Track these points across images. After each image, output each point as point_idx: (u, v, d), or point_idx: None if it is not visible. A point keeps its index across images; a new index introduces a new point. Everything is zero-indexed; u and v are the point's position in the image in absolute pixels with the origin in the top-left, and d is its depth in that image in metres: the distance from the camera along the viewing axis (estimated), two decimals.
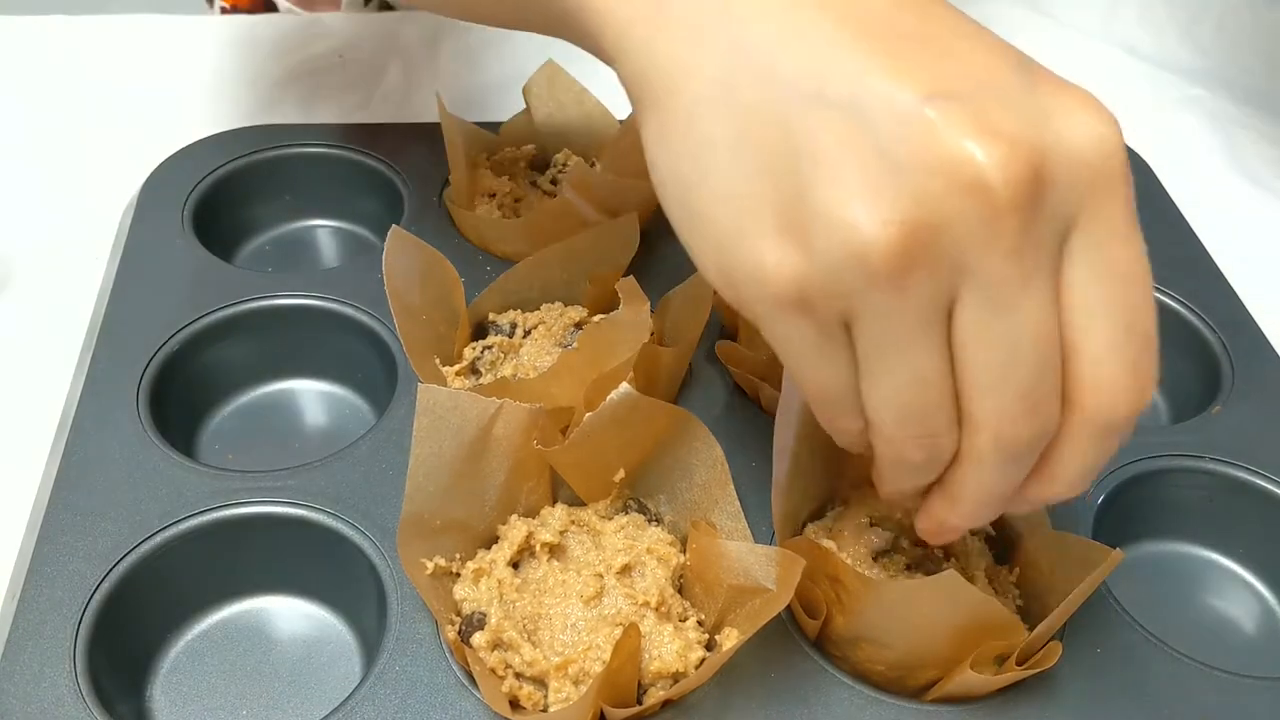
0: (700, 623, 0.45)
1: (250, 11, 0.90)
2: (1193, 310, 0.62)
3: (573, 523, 0.47)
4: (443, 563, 0.45)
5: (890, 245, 0.31)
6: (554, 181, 0.66)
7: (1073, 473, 0.36)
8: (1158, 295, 0.61)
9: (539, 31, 0.45)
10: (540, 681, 0.43)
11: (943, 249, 0.31)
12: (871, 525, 0.47)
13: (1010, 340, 0.32)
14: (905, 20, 0.33)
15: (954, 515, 0.39)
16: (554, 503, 0.49)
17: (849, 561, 0.45)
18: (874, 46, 0.32)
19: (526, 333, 0.56)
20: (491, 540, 0.47)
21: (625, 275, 0.54)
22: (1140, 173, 0.71)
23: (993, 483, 0.36)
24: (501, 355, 0.55)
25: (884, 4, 0.34)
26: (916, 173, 0.31)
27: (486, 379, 0.55)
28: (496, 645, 0.43)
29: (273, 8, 0.90)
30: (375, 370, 0.58)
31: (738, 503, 0.47)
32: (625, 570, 0.45)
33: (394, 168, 0.67)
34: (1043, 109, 0.32)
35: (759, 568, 0.43)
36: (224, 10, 0.93)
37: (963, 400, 0.34)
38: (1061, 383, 0.34)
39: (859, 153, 0.31)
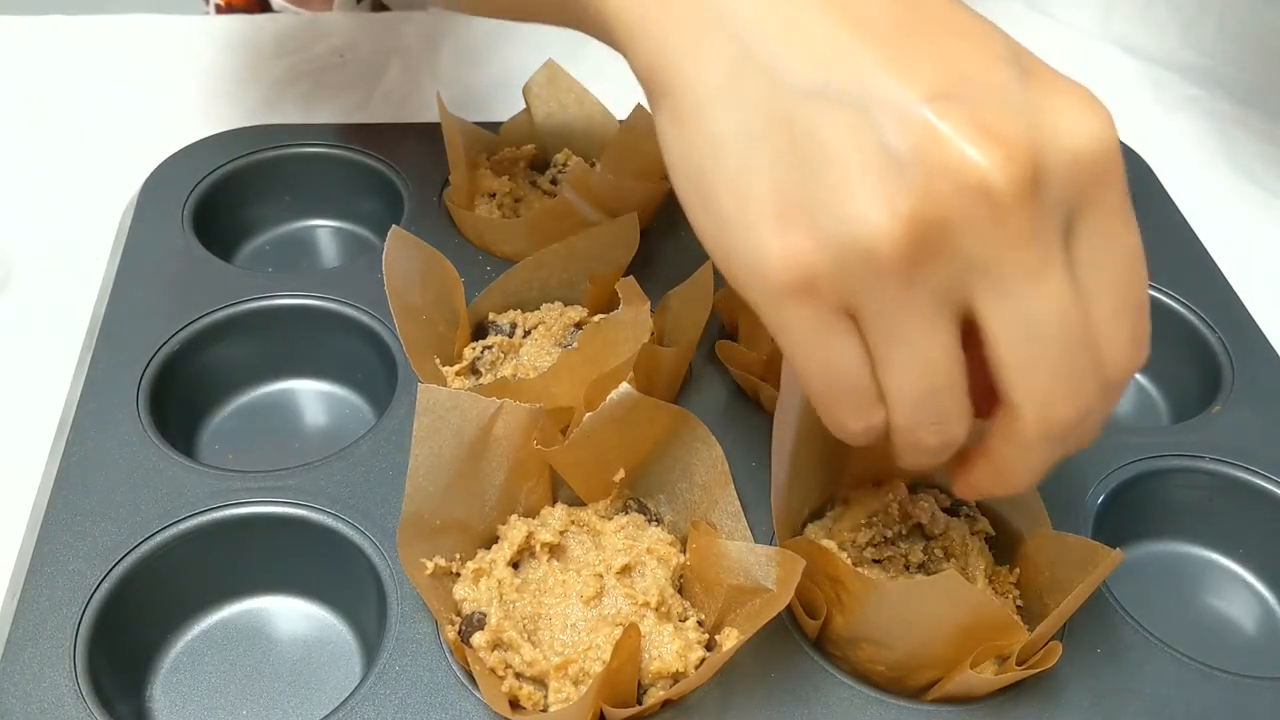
0: (700, 623, 0.45)
1: (245, 11, 0.90)
2: (1193, 310, 0.62)
3: (573, 523, 0.47)
4: (443, 563, 0.45)
5: (898, 237, 0.32)
6: (554, 181, 0.66)
7: (1093, 432, 0.38)
8: (1158, 296, 0.62)
9: (552, 23, 0.45)
10: (540, 681, 0.43)
11: (950, 244, 0.33)
12: (871, 525, 0.47)
13: (1036, 323, 0.34)
14: (904, 18, 0.34)
15: (999, 488, 0.40)
16: (554, 503, 0.49)
17: (849, 561, 0.45)
18: (875, 45, 0.33)
19: (526, 333, 0.56)
20: (491, 540, 0.47)
21: (625, 275, 0.54)
22: (1140, 173, 0.71)
23: (1041, 462, 0.37)
24: (501, 355, 0.55)
25: (883, 2, 0.35)
26: (921, 172, 0.32)
27: (486, 379, 0.55)
28: (496, 645, 0.43)
29: (267, 7, 0.90)
30: (375, 370, 0.58)
31: (738, 503, 0.47)
32: (625, 570, 0.45)
33: (394, 168, 0.67)
34: (1039, 107, 0.33)
35: (759, 568, 0.43)
36: (219, 9, 0.93)
37: (1000, 387, 0.35)
38: None
39: (865, 149, 0.33)
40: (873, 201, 0.32)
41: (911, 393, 0.35)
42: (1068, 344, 0.34)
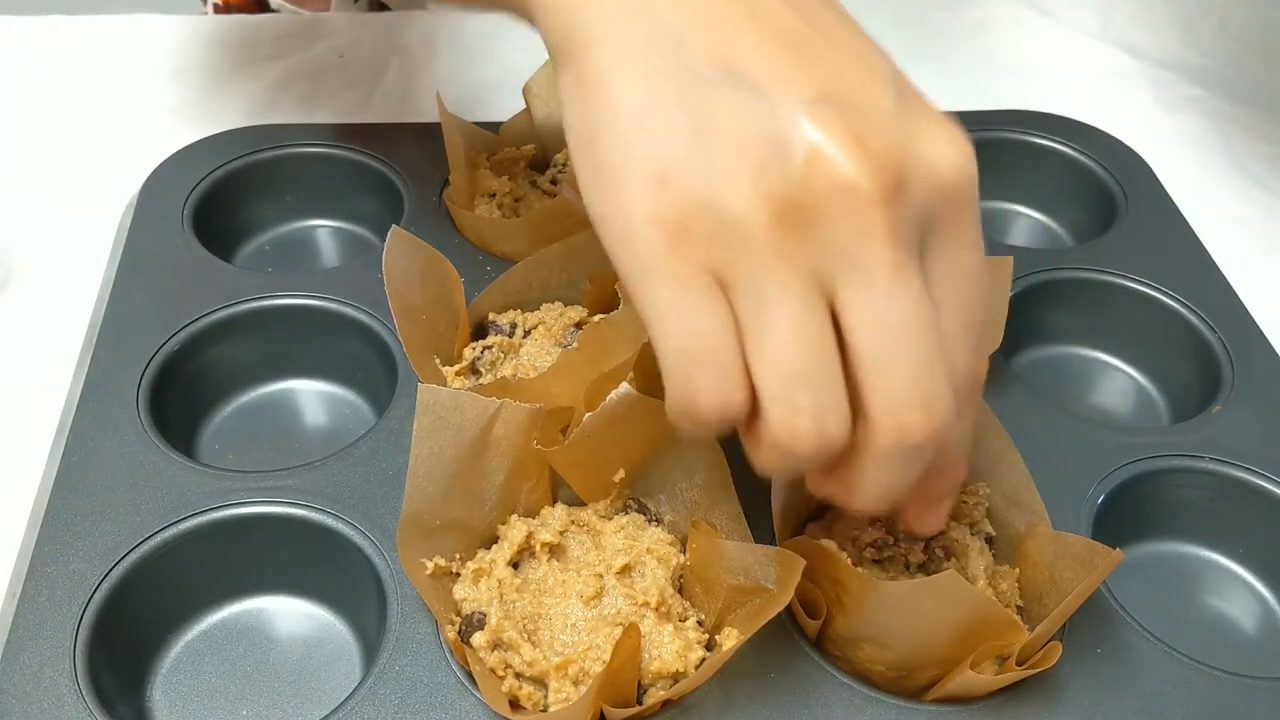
0: (700, 623, 0.45)
1: (243, 11, 0.90)
2: (1193, 310, 0.62)
3: (573, 523, 0.47)
4: (442, 563, 0.45)
5: (768, 214, 0.35)
6: (554, 181, 0.66)
7: (953, 461, 0.41)
8: (1158, 295, 0.62)
9: (481, 7, 0.47)
10: (540, 681, 0.43)
11: (818, 230, 0.35)
12: (872, 525, 0.47)
13: (895, 320, 0.35)
14: (806, 31, 0.37)
15: (848, 499, 0.40)
16: (554, 503, 0.49)
17: (849, 561, 0.45)
18: (777, 47, 0.37)
19: (526, 333, 0.56)
20: (491, 540, 0.47)
21: None
22: (1140, 172, 0.71)
23: (891, 479, 0.38)
24: (501, 355, 0.55)
25: (789, 13, 0.38)
26: (800, 164, 0.35)
27: (486, 379, 0.55)
28: (496, 645, 0.43)
29: (265, 7, 0.90)
30: (375, 370, 0.58)
31: (738, 503, 0.47)
32: (625, 570, 0.45)
33: (394, 168, 0.67)
34: (911, 129, 0.36)
35: (759, 568, 0.43)
36: (217, 9, 0.93)
37: (859, 392, 0.36)
38: None
39: (752, 134, 0.35)
40: (750, 180, 0.35)
41: (785, 365, 0.36)
42: (924, 346, 0.36)
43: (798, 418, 0.36)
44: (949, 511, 0.44)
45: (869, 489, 0.38)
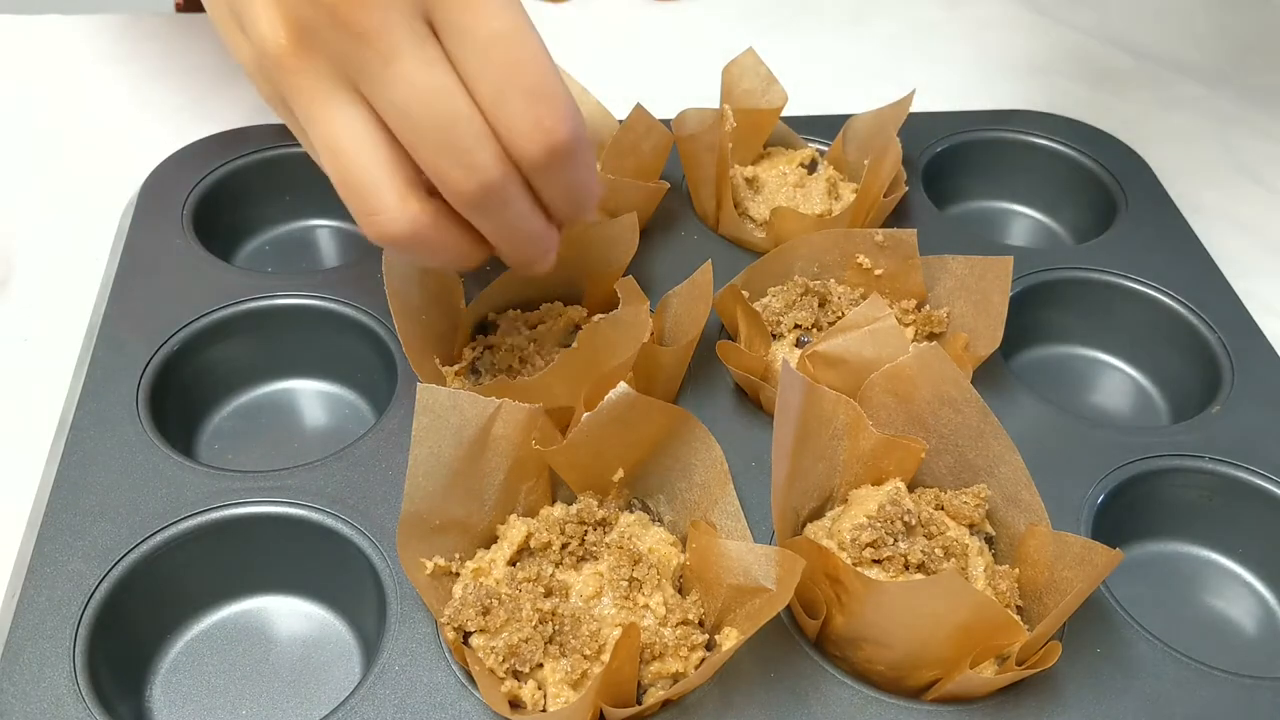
0: (700, 623, 0.45)
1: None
2: (1193, 310, 0.62)
3: (571, 522, 0.47)
4: (442, 562, 0.45)
5: (278, 39, 0.40)
6: None
7: (557, 202, 0.44)
8: (1158, 295, 0.62)
9: None
10: (540, 681, 0.43)
11: (318, 39, 0.40)
12: (871, 525, 0.47)
13: (400, 103, 0.40)
14: None
15: (503, 256, 0.46)
16: (553, 502, 0.49)
17: (849, 561, 0.45)
18: None
19: (527, 333, 0.56)
20: (491, 540, 0.47)
21: (625, 275, 0.54)
22: (1140, 172, 0.71)
23: (492, 229, 0.43)
24: (501, 355, 0.55)
25: None
26: None
27: (486, 379, 0.55)
28: (496, 645, 0.43)
29: None
30: (375, 370, 0.58)
31: (738, 502, 0.47)
32: (625, 570, 0.45)
33: None
34: None
35: (759, 567, 0.43)
36: (178, 8, 0.93)
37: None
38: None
39: None
40: (263, 11, 0.40)
41: (334, 175, 0.41)
42: (435, 119, 0.40)
43: (368, 220, 0.41)
44: (555, 247, 0.47)
45: (495, 240, 0.44)
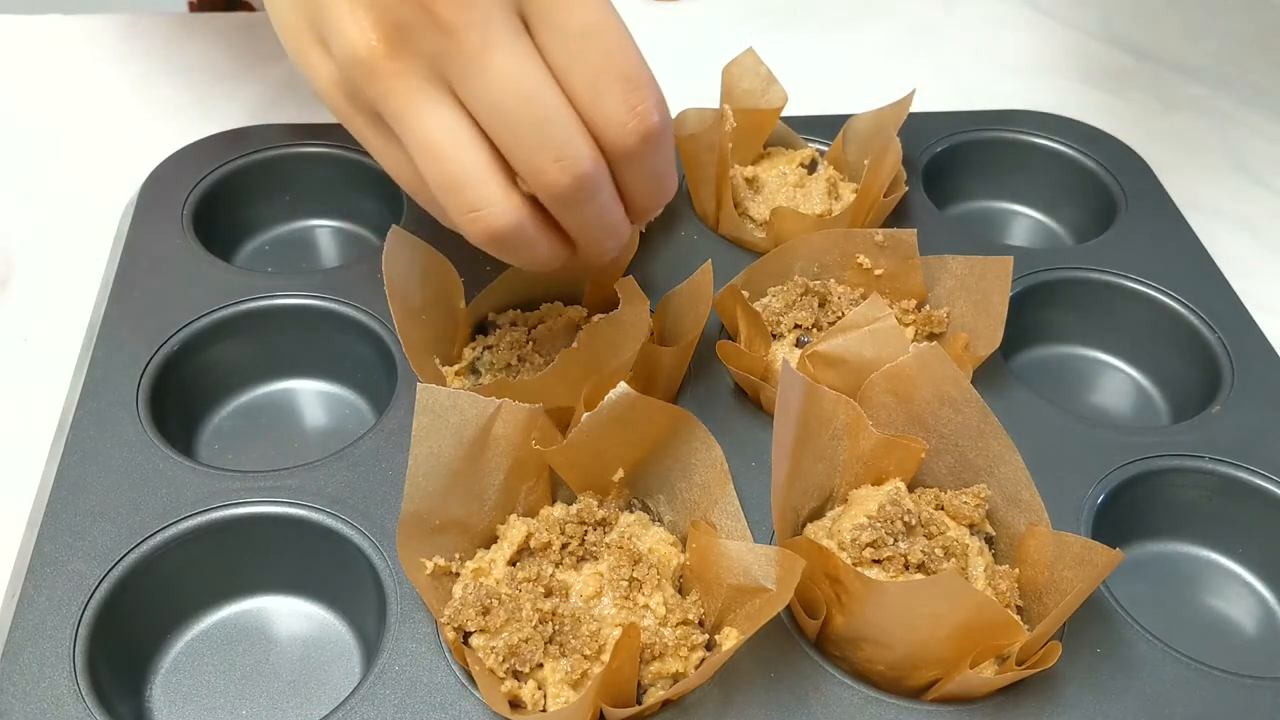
0: (700, 623, 0.45)
1: (214, 9, 0.90)
2: (1193, 310, 0.62)
3: (571, 522, 0.47)
4: (442, 562, 0.45)
5: (369, 44, 0.40)
6: None
7: (640, 189, 0.45)
8: (1158, 295, 0.62)
9: None
10: (540, 681, 0.43)
11: (411, 40, 0.40)
12: (871, 525, 0.47)
13: (496, 99, 0.40)
14: None
15: (583, 258, 0.47)
16: (553, 502, 0.49)
17: (849, 561, 0.45)
18: None
19: (527, 333, 0.56)
20: (491, 540, 0.47)
21: (625, 275, 0.54)
22: (1140, 172, 0.71)
23: (578, 224, 0.44)
24: (501, 355, 0.55)
25: None
26: None
27: (486, 379, 0.55)
28: (496, 646, 0.43)
29: (236, 5, 0.90)
30: (375, 370, 0.58)
31: (738, 502, 0.47)
32: (625, 570, 0.45)
33: None
34: None
35: (759, 567, 0.43)
36: (191, 7, 0.93)
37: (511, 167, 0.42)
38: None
39: None
40: (350, 19, 0.40)
41: (432, 175, 0.41)
42: (531, 115, 0.40)
43: (469, 216, 0.42)
44: (627, 237, 0.48)
45: (578, 234, 0.44)
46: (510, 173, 0.42)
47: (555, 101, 0.40)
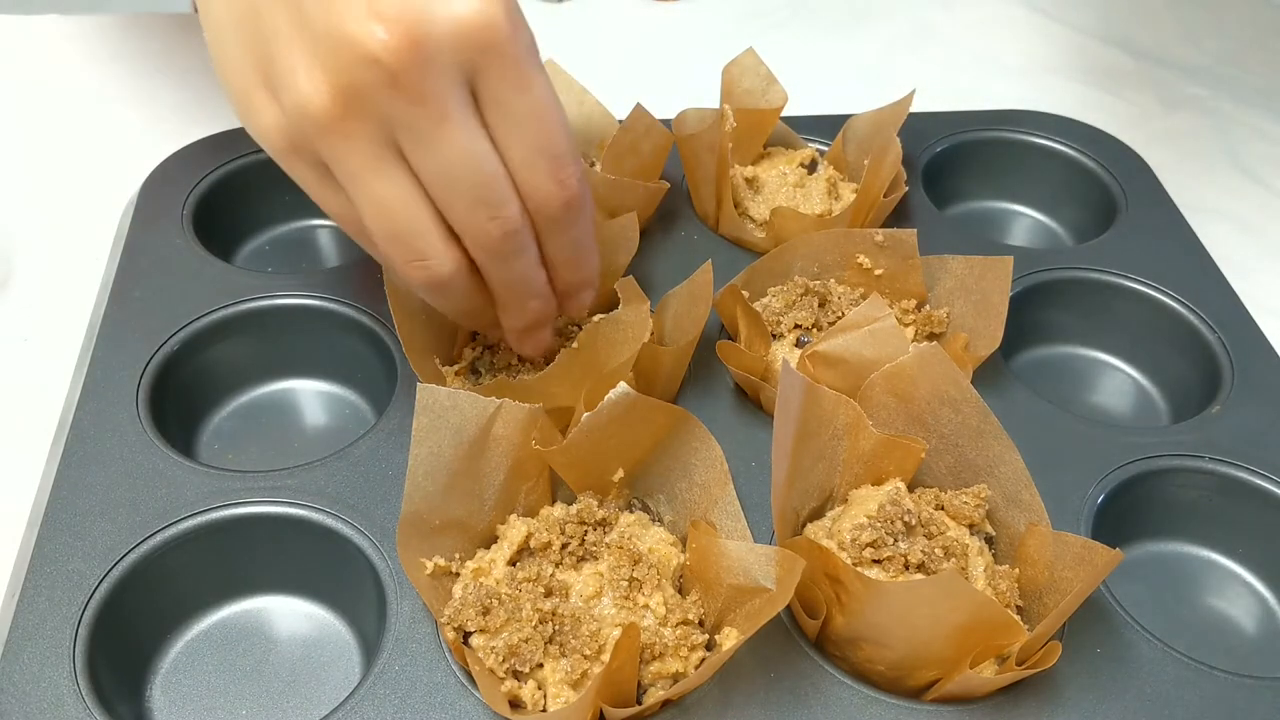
0: (700, 623, 0.45)
1: None
2: (1193, 310, 0.62)
3: (571, 522, 0.47)
4: (442, 562, 0.45)
5: (325, 102, 0.41)
6: None
7: (561, 259, 0.48)
8: (1158, 295, 0.62)
9: None
10: (540, 681, 0.43)
11: (369, 104, 0.41)
12: (871, 525, 0.47)
13: (444, 166, 0.42)
14: None
15: (508, 318, 0.49)
16: (553, 502, 0.49)
17: (849, 561, 0.45)
18: None
19: None
20: (490, 540, 0.47)
21: (625, 275, 0.54)
22: (1140, 172, 0.71)
23: (506, 278, 0.47)
24: (502, 355, 0.55)
25: None
26: (331, 47, 0.40)
27: (486, 379, 0.55)
28: (496, 646, 0.43)
29: None
30: (375, 370, 0.58)
31: (738, 502, 0.47)
32: (625, 570, 0.45)
33: None
34: None
35: (759, 567, 0.43)
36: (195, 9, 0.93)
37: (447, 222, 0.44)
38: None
39: (299, 32, 0.41)
40: (305, 74, 0.41)
41: (377, 226, 0.44)
42: (475, 180, 0.43)
43: (415, 264, 0.45)
44: (549, 331, 0.51)
45: (503, 290, 0.47)
46: (449, 228, 0.45)
47: (497, 170, 0.43)
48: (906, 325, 0.57)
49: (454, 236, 0.45)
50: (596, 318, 0.55)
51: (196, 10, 0.47)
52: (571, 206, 0.45)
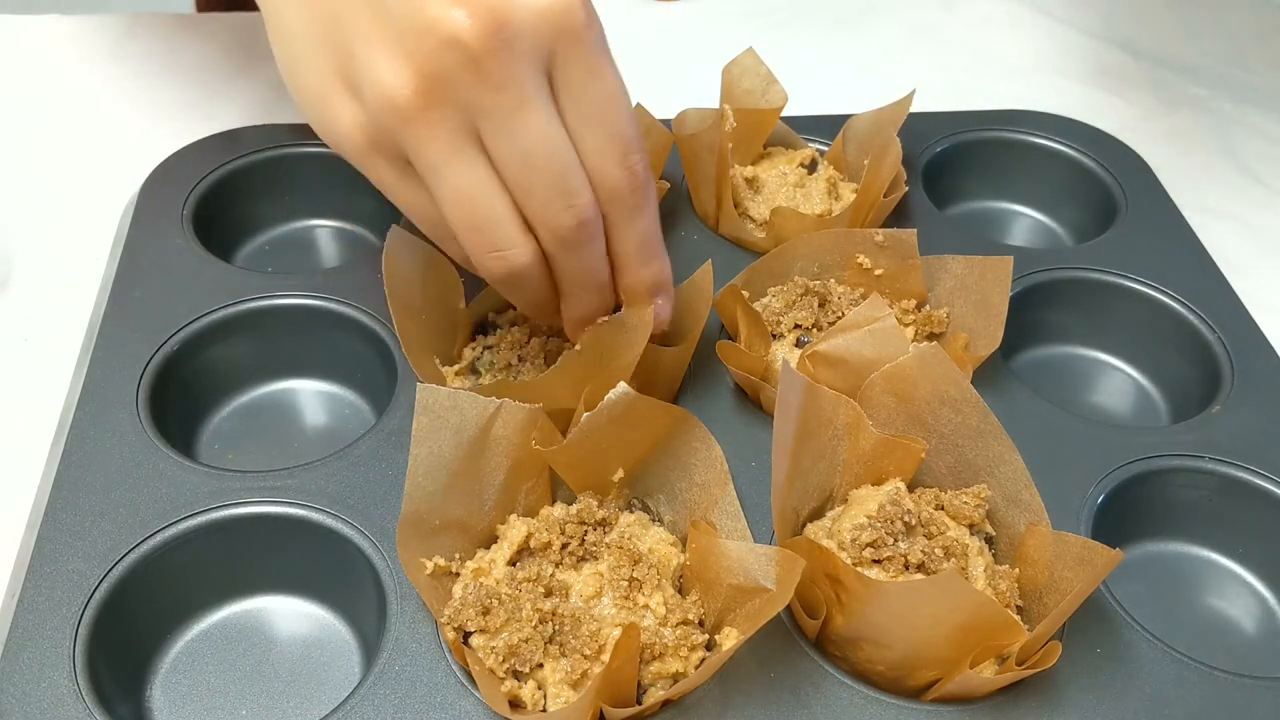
0: (700, 623, 0.45)
1: (220, 8, 0.90)
2: (1193, 310, 0.62)
3: (571, 522, 0.47)
4: (442, 562, 0.45)
5: (408, 92, 0.42)
6: None
7: (630, 249, 0.48)
8: (1158, 295, 0.62)
9: None
10: (540, 681, 0.43)
11: (450, 92, 0.42)
12: (871, 525, 0.47)
13: (524, 151, 0.43)
14: None
15: (569, 308, 0.49)
16: (553, 502, 0.49)
17: (849, 561, 0.45)
18: None
19: (527, 333, 0.56)
20: (490, 540, 0.47)
21: None
22: (1140, 172, 0.71)
23: (575, 267, 0.47)
24: (502, 355, 0.55)
25: None
26: (414, 37, 0.41)
27: (486, 379, 0.55)
28: (496, 646, 0.43)
29: (241, 5, 0.90)
30: (375, 370, 0.58)
31: (738, 502, 0.47)
32: (625, 570, 0.45)
33: None
34: None
35: (759, 568, 0.43)
36: (199, 6, 0.93)
37: (522, 212, 0.45)
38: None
39: (382, 27, 0.42)
40: (388, 66, 0.42)
41: (457, 217, 0.44)
42: (553, 167, 0.43)
43: (494, 255, 0.45)
44: (609, 308, 0.50)
45: (569, 282, 0.48)
46: (524, 219, 0.45)
47: (573, 159, 0.44)
48: (906, 325, 0.57)
49: (528, 227, 0.45)
50: (600, 319, 0.55)
51: (262, 19, 0.48)
52: (639, 193, 0.46)
